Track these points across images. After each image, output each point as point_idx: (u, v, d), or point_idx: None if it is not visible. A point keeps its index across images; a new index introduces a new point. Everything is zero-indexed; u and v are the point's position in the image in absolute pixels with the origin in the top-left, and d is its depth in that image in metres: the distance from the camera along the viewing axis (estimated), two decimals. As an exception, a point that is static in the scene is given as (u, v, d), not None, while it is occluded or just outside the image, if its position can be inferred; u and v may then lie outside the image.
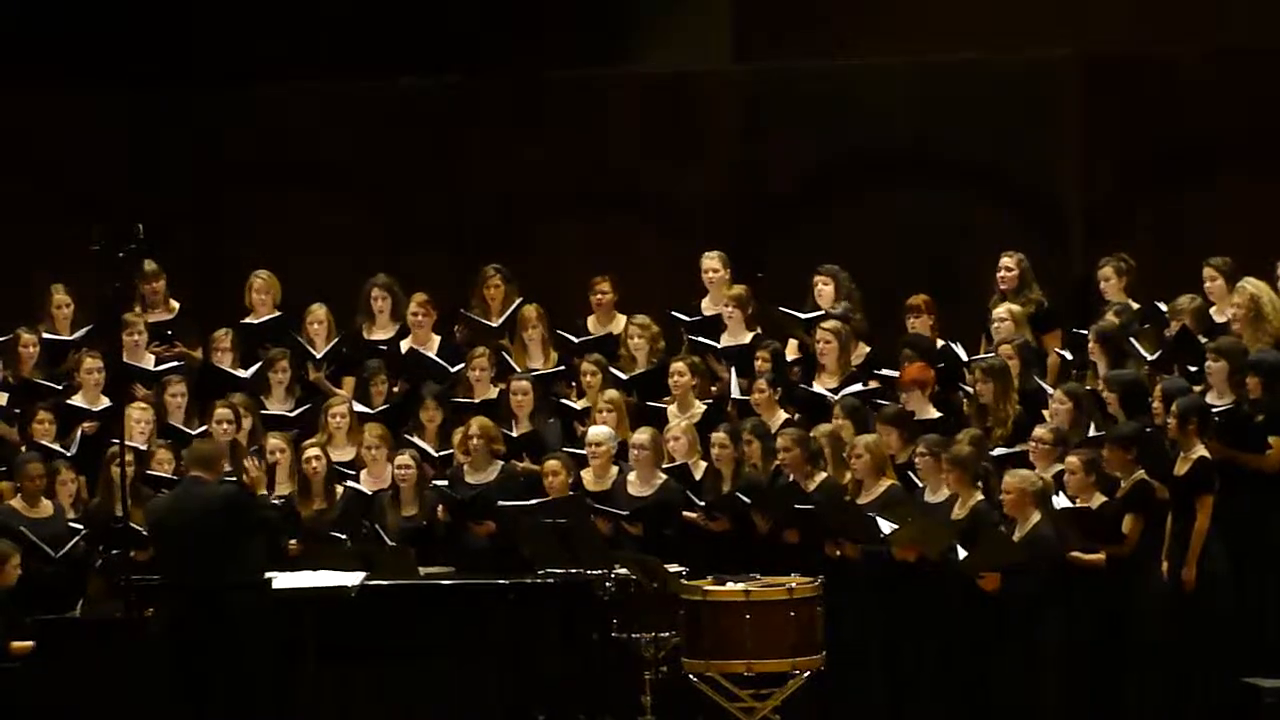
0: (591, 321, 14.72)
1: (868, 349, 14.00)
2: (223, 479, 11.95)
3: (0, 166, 16.71)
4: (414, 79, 16.96)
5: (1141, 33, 16.26)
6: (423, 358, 14.53)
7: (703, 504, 13.25)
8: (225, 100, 16.93)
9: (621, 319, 14.60)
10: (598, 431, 13.57)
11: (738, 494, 13.08)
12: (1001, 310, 13.71)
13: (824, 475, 12.95)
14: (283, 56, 16.90)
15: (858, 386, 13.67)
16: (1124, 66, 16.31)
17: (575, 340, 14.57)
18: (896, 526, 12.18)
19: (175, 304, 14.89)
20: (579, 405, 14.14)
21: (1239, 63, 16.04)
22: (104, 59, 16.78)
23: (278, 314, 14.74)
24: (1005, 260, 14.07)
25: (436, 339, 14.67)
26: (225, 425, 13.76)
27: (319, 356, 14.55)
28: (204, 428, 13.92)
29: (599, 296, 14.70)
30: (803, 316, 14.15)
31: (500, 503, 13.44)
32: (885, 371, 13.80)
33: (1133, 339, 13.18)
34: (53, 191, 16.71)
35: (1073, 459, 12.04)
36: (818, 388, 13.79)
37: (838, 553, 12.64)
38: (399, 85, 16.97)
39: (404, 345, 14.64)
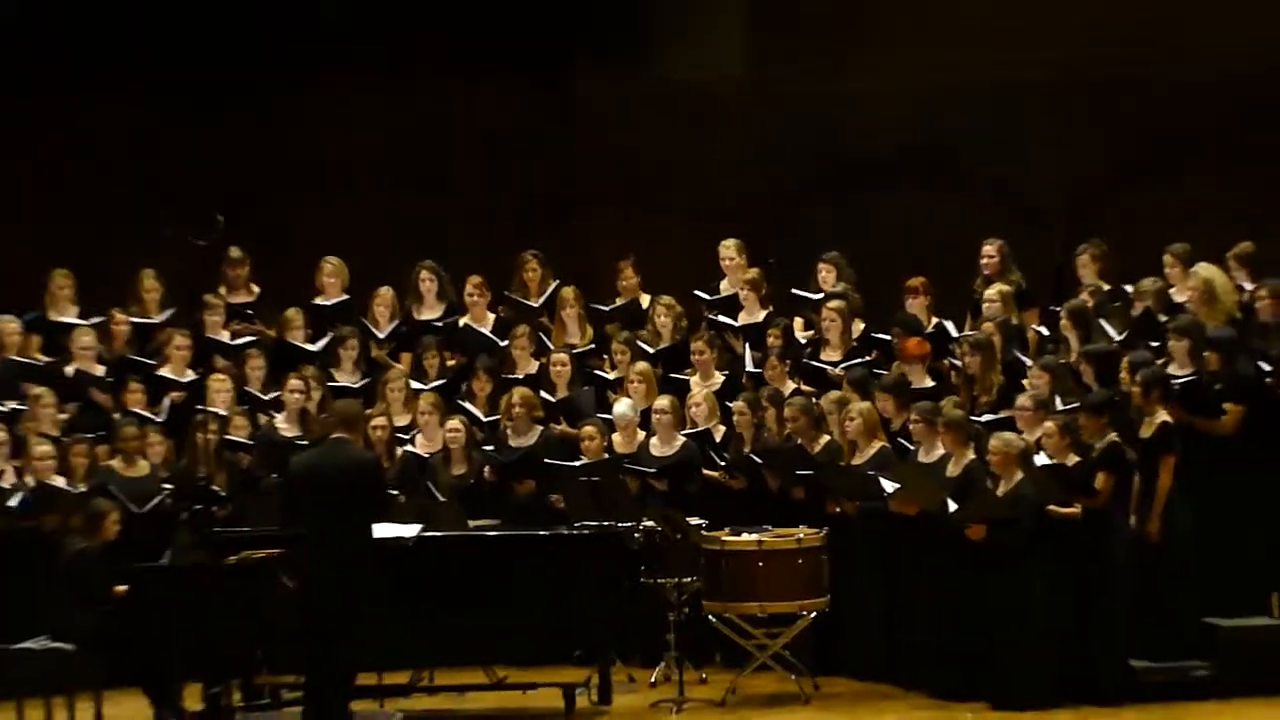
0: (620, 301, 14.74)
1: (863, 325, 13.99)
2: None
3: (100, 167, 16.74)
4: (466, 86, 16.97)
5: (1112, 51, 16.35)
6: (477, 333, 14.54)
7: (723, 464, 13.27)
8: (301, 103, 16.94)
9: (645, 296, 14.64)
10: (621, 413, 13.62)
11: (752, 455, 13.12)
12: (993, 291, 13.68)
13: (828, 438, 12.96)
14: (350, 64, 16.93)
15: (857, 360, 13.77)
16: (1097, 81, 16.41)
17: (606, 309, 14.68)
18: (898, 485, 12.18)
19: (256, 288, 14.89)
20: (612, 376, 14.21)
21: (1200, 78, 16.10)
22: (186, 64, 16.78)
23: (345, 297, 14.72)
24: (987, 248, 14.06)
25: (491, 316, 14.67)
26: (297, 394, 13.83)
27: (382, 337, 14.61)
28: (277, 394, 14.03)
29: (624, 281, 14.71)
30: (813, 297, 14.15)
31: (546, 460, 13.46)
32: (881, 335, 13.86)
33: (1101, 319, 13.15)
34: (148, 189, 16.63)
35: (1051, 424, 12.00)
36: (824, 359, 13.81)
37: (837, 509, 12.67)
38: (454, 92, 17.00)
39: (462, 322, 14.64)
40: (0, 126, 16.68)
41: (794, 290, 14.29)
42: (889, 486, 12.20)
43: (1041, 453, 11.95)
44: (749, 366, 13.93)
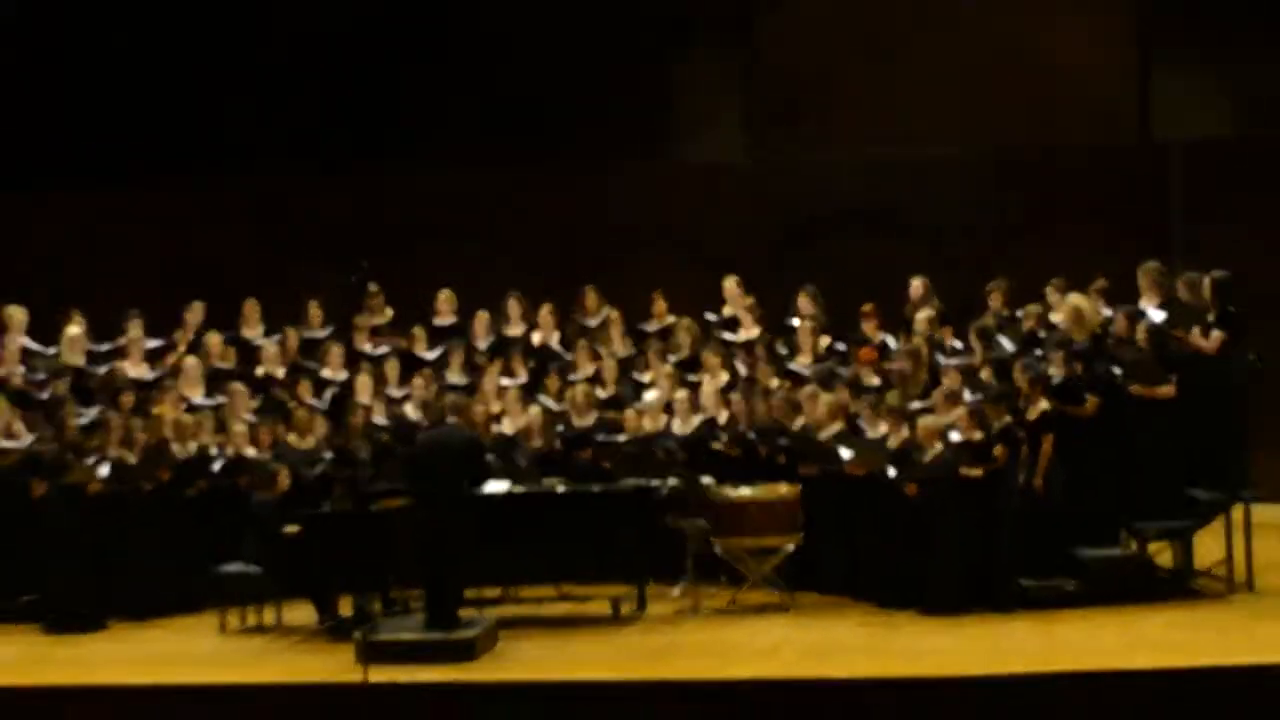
0: (653, 323, 14.74)
1: (828, 339, 14.05)
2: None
3: (265, 236, 17.03)
4: (529, 170, 16.99)
5: (1009, 135, 16.23)
6: (549, 348, 14.66)
7: (726, 439, 13.30)
8: (412, 182, 17.00)
9: (671, 318, 14.62)
10: (649, 400, 13.70)
11: (746, 433, 13.22)
12: (920, 315, 13.66)
13: (802, 420, 13.00)
14: (446, 156, 16.96)
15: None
16: (997, 153, 16.36)
17: (649, 331, 14.64)
18: (852, 453, 12.30)
19: (390, 311, 14.89)
20: (647, 378, 14.22)
21: (1073, 158, 16.02)
22: (346, 158, 16.93)
23: (454, 319, 14.81)
24: (915, 281, 13.99)
25: (557, 334, 14.73)
26: (420, 390, 13.80)
27: (481, 348, 14.63)
28: (406, 391, 14.05)
29: (656, 307, 14.71)
30: (796, 322, 14.15)
31: (599, 437, 13.57)
32: (840, 346, 13.90)
33: (1000, 334, 13.12)
34: (309, 247, 16.79)
35: (962, 410, 12.11)
36: (799, 363, 13.83)
37: (807, 471, 12.65)
38: (518, 173, 17.02)
39: (537, 337, 14.62)
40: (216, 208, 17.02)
41: (785, 322, 14.25)
42: (846, 455, 12.30)
43: (955, 431, 12.04)
44: (743, 371, 13.93)
